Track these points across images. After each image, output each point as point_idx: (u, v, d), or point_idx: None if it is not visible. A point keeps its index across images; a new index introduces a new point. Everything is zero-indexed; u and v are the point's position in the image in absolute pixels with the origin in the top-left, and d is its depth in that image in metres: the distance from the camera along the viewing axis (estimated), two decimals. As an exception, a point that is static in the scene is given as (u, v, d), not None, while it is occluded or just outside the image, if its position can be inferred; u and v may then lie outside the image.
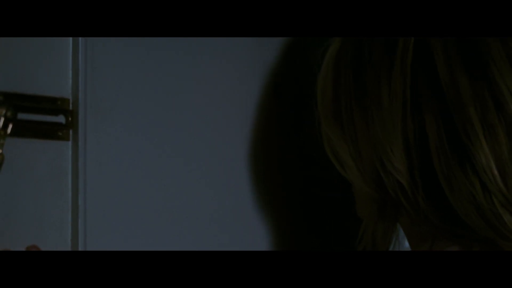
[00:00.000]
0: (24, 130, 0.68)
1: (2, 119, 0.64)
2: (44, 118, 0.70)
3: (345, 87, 0.65)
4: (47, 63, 0.70)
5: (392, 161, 0.62)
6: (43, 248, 0.67)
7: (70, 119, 0.71)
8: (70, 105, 0.71)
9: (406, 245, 0.71)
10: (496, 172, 0.60)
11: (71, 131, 0.71)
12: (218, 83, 0.80)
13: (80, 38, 0.71)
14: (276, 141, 0.85)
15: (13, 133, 0.66)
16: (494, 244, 0.62)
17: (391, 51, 0.63)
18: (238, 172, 0.81)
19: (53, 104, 0.70)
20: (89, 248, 0.70)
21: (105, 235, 0.71)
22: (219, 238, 0.79)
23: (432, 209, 0.62)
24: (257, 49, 0.83)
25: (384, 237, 0.68)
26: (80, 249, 0.70)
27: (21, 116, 0.67)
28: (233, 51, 0.81)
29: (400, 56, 0.62)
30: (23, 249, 0.66)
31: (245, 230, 0.81)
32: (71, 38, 0.71)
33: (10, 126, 0.65)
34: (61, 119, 0.71)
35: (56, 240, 0.70)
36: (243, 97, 0.82)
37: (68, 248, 0.70)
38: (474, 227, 0.61)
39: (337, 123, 0.66)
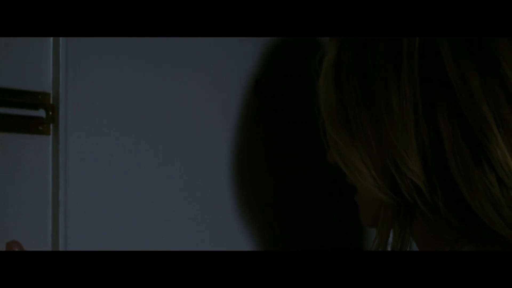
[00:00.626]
0: (4, 124, 0.68)
1: (-17, 114, 0.64)
2: (25, 112, 0.70)
3: (350, 93, 0.64)
4: (28, 57, 0.70)
5: (407, 164, 0.62)
6: (23, 243, 0.67)
7: (51, 113, 0.71)
8: (51, 99, 0.71)
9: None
10: None
11: (52, 126, 0.71)
12: (200, 81, 0.80)
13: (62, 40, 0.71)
14: (259, 139, 0.86)
15: (-6, 128, 0.66)
16: None
17: (396, 52, 0.63)
18: (220, 170, 0.82)
19: (34, 98, 0.70)
20: (69, 243, 0.70)
21: (86, 230, 0.71)
22: (200, 236, 0.79)
23: (451, 211, 0.62)
24: (240, 47, 0.83)
25: (401, 245, 0.68)
26: (60, 244, 0.70)
27: (1, 110, 0.67)
28: (215, 49, 0.81)
29: (406, 57, 0.62)
30: (3, 244, 0.66)
31: (225, 228, 0.82)
32: (51, 39, 0.71)
33: (-10, 121, 0.65)
34: (41, 113, 0.71)
35: (37, 234, 0.70)
36: (227, 95, 0.82)
37: (49, 243, 0.70)
38: (493, 227, 0.61)
39: (345, 129, 0.65)
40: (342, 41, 0.67)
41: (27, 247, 0.68)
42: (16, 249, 0.66)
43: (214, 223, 0.81)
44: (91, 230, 0.71)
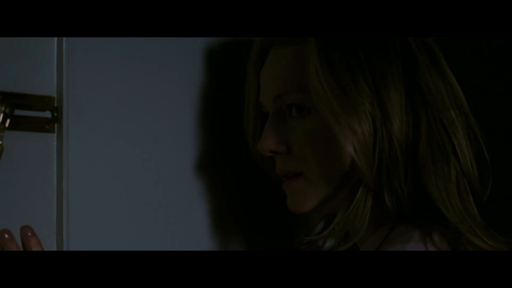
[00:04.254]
0: (16, 124, 0.81)
1: (1, 115, 0.77)
2: (34, 113, 0.83)
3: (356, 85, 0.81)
4: (37, 67, 0.84)
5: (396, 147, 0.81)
6: (32, 226, 0.80)
7: (55, 114, 0.84)
8: (55, 102, 0.85)
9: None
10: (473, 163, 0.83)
11: (56, 125, 0.84)
12: (182, 86, 0.95)
13: (64, 46, 0.85)
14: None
15: (10, 127, 0.78)
16: (453, 228, 0.79)
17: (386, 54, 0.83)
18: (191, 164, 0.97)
19: (41, 102, 0.84)
20: (71, 226, 0.84)
21: (86, 213, 0.86)
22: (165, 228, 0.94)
23: (411, 193, 0.81)
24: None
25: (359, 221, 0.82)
26: (64, 227, 0.83)
27: (16, 112, 0.80)
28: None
29: (394, 60, 0.82)
30: (15, 224, 0.79)
31: (193, 226, 0.97)
32: (56, 46, 0.85)
33: (8, 121, 0.78)
34: (47, 114, 0.84)
35: (43, 218, 0.84)
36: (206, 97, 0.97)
37: (54, 226, 0.84)
38: (445, 212, 0.79)
39: (352, 114, 0.80)
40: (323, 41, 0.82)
41: (35, 230, 0.81)
42: (29, 233, 0.79)
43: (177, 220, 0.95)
44: (90, 213, 0.86)
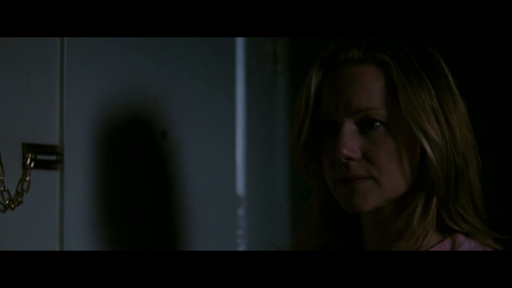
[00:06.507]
0: (35, 164, 1.19)
1: (29, 159, 1.15)
2: (45, 157, 1.21)
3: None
4: (46, 126, 1.23)
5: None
6: (40, 226, 1.19)
7: (59, 157, 1.23)
8: (59, 149, 1.23)
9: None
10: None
11: (59, 165, 1.23)
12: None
13: (64, 112, 1.24)
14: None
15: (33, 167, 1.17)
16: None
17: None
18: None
19: (50, 149, 1.23)
20: (70, 229, 1.22)
21: (81, 220, 1.27)
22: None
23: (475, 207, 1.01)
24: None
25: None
26: (65, 230, 1.22)
27: (39, 156, 1.19)
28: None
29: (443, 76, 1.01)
30: (29, 235, 1.17)
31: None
32: (59, 112, 1.23)
33: (33, 163, 1.16)
34: (53, 157, 1.22)
35: (48, 225, 1.22)
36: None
37: (57, 229, 1.22)
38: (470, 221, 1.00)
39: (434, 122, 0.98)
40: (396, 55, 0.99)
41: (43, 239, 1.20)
42: None
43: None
44: (84, 221, 1.27)
